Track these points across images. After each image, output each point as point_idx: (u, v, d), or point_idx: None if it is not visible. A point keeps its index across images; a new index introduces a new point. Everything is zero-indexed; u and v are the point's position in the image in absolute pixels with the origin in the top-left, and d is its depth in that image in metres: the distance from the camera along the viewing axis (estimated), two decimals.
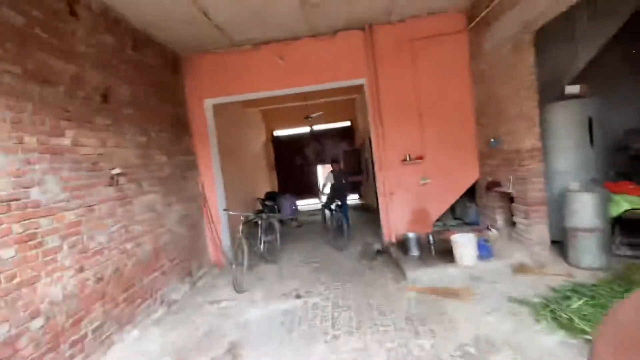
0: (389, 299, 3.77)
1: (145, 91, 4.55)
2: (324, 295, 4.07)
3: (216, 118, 6.41)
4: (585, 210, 3.74)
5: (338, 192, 6.81)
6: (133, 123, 4.21)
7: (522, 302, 3.27)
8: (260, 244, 5.28)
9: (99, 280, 3.40)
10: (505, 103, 4.46)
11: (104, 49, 3.85)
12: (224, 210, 4.95)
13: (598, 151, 4.32)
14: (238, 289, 4.43)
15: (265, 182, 11.46)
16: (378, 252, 5.71)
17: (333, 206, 6.52)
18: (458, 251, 4.23)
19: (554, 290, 3.44)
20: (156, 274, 4.26)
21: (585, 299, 2.86)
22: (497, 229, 5.19)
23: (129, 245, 3.85)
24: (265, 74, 5.58)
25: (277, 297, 4.20)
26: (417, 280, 4.16)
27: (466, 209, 6.22)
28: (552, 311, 2.90)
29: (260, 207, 9.12)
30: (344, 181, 6.97)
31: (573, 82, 4.75)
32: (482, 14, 4.65)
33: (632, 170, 5.56)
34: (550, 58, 4.80)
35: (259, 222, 5.31)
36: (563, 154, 4.31)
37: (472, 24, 5.03)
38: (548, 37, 4.55)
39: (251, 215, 5.25)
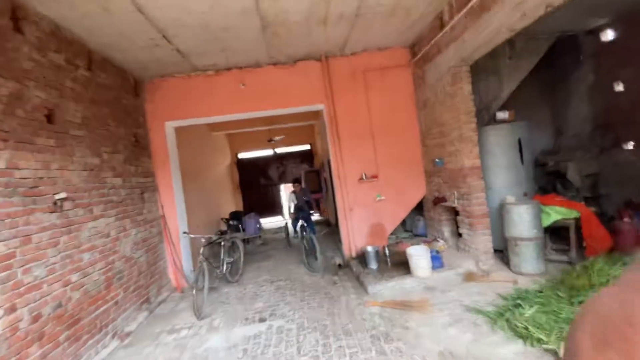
0: (353, 316, 3.42)
1: (99, 112, 3.94)
2: (288, 317, 3.61)
3: (180, 140, 5.84)
4: (522, 222, 3.74)
5: (302, 211, 6.22)
6: (83, 144, 3.56)
7: (477, 311, 3.09)
8: (223, 265, 4.70)
9: (36, 319, 2.69)
10: (447, 127, 4.47)
11: (52, 67, 3.25)
12: (184, 233, 4.35)
13: (527, 168, 4.44)
14: (198, 314, 3.83)
15: (230, 202, 10.76)
16: (339, 266, 5.38)
17: (298, 227, 5.93)
18: (413, 263, 4.03)
19: (502, 297, 3.31)
20: (108, 304, 3.54)
21: (536, 306, 2.73)
22: (444, 240, 5.12)
23: (74, 277, 3.15)
24: (227, 98, 5.18)
25: (240, 321, 3.66)
26: (378, 295, 3.87)
27: (415, 222, 6.15)
28: (507, 320, 2.73)
29: (225, 227, 8.46)
30: (306, 200, 6.34)
31: (501, 109, 4.94)
32: (423, 50, 4.71)
33: (549, 185, 5.88)
34: (482, 88, 4.96)
35: (222, 243, 4.76)
36: (498, 171, 4.36)
37: (416, 58, 5.09)
38: (479, 71, 4.71)
39: (213, 237, 4.67)
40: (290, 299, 4.12)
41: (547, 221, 3.91)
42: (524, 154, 4.41)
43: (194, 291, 3.96)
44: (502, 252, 4.36)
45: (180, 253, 5.18)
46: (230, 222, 8.37)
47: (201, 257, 4.09)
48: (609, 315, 0.54)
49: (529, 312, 2.70)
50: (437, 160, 4.75)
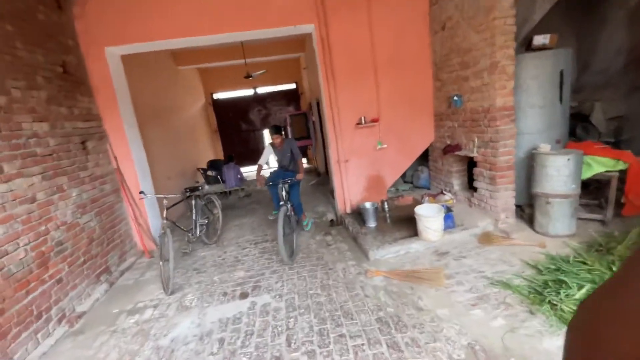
0: (354, 290, 2.86)
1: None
2: (275, 291, 3.04)
3: (133, 74, 4.69)
4: (560, 175, 3.08)
5: (284, 173, 4.40)
6: None
7: (505, 285, 2.56)
8: (196, 228, 3.99)
9: None
10: (473, 54, 3.52)
11: None
12: (141, 193, 3.54)
13: (565, 108, 3.66)
14: (167, 289, 3.21)
15: (208, 150, 9.76)
16: (332, 222, 4.80)
17: (283, 195, 3.84)
18: (423, 225, 3.43)
19: (532, 266, 2.79)
20: (46, 285, 2.83)
21: (588, 285, 2.19)
22: (453, 194, 4.51)
23: None
24: (187, 14, 3.93)
25: (216, 297, 3.08)
26: (381, 262, 3.31)
27: (417, 172, 5.49)
28: (550, 303, 2.20)
29: (203, 179, 7.63)
30: (291, 157, 4.35)
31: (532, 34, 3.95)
32: None
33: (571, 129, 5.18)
34: None
35: (193, 202, 3.98)
36: (531, 112, 3.57)
37: None
38: None
39: (177, 198, 3.86)
40: (277, 267, 3.53)
41: (587, 174, 3.27)
42: (564, 90, 3.58)
43: (161, 262, 3.29)
44: (521, 208, 3.80)
45: (145, 212, 4.41)
46: (208, 173, 7.54)
47: (164, 222, 3.33)
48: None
49: (578, 293, 2.16)
50: (454, 98, 3.88)
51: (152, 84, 6.00)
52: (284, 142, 4.32)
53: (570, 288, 2.23)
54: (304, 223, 4.59)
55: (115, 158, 4.17)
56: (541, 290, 2.36)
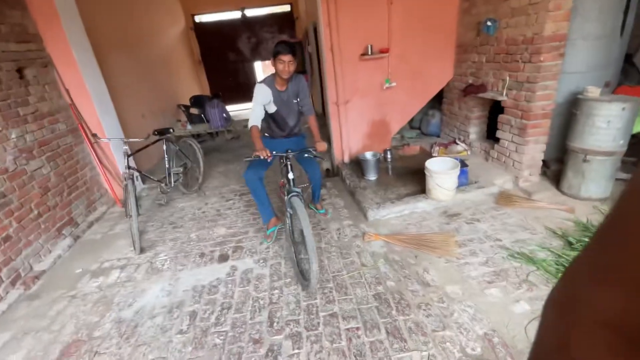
0: (349, 257, 2.50)
1: None
2: (260, 254, 2.68)
3: None
4: (609, 128, 2.52)
5: (287, 138, 2.74)
6: None
7: (528, 259, 2.20)
8: (170, 177, 3.49)
9: None
10: None
11: None
12: (93, 136, 2.93)
13: (624, 42, 2.93)
14: (137, 248, 2.84)
15: (191, 84, 8.79)
16: (327, 172, 4.33)
17: (290, 177, 2.34)
18: (433, 182, 2.96)
19: (560, 235, 2.41)
20: None
21: None
22: (467, 144, 3.98)
23: None
24: None
25: (192, 258, 2.72)
26: (381, 223, 2.91)
27: (427, 117, 4.85)
28: None
29: (185, 117, 6.90)
30: (298, 108, 2.61)
31: None
32: None
33: None
34: None
35: (164, 147, 3.40)
36: (582, 45, 2.84)
37: None
38: None
39: (139, 142, 3.12)
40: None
41: (638, 127, 2.71)
42: (628, 17, 2.82)
43: (132, 219, 2.85)
44: (545, 164, 3.31)
45: (112, 155, 3.87)
46: (191, 111, 6.80)
47: (125, 173, 2.82)
48: None
49: None
50: (487, 23, 3.09)
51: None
52: (290, 80, 2.46)
53: None
54: (321, 211, 3.11)
55: (68, 91, 3.47)
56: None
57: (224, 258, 2.68)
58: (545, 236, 2.45)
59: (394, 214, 2.98)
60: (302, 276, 2.22)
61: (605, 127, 2.52)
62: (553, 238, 2.42)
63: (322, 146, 2.44)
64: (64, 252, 3.02)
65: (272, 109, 2.53)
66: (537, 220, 2.65)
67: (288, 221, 2.36)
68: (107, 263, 2.80)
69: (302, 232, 2.06)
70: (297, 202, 2.13)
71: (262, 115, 2.46)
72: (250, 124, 2.41)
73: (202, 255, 2.75)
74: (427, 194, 3.07)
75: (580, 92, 2.77)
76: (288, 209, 2.32)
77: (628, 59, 4.13)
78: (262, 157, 2.20)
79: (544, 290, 1.97)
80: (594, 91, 2.65)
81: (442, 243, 2.49)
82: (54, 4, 3.20)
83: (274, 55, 2.29)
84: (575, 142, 2.73)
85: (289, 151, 2.34)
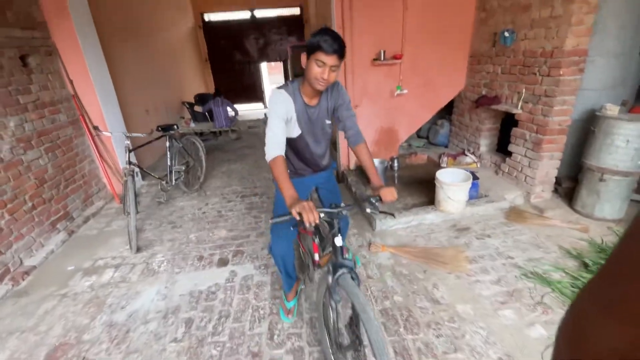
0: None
1: None
2: (261, 260, 2.58)
3: None
4: (628, 147, 2.44)
5: (314, 174, 1.83)
6: None
7: (542, 280, 2.11)
8: (171, 175, 3.40)
9: None
10: None
11: None
12: (95, 129, 2.85)
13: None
14: (133, 246, 2.74)
15: (198, 82, 8.75)
16: None
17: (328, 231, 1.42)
18: (444, 194, 2.87)
19: (574, 256, 2.32)
20: None
21: None
22: (477, 157, 3.90)
23: None
24: None
25: (190, 261, 2.62)
26: (388, 233, 2.82)
27: (435, 127, 4.78)
28: None
29: (188, 114, 6.83)
30: (333, 124, 1.70)
31: None
32: None
33: None
34: None
35: (167, 144, 3.31)
36: (601, 61, 2.78)
37: None
38: None
39: (141, 137, 3.04)
40: (265, 228, 3.05)
41: None
42: None
43: (129, 216, 2.75)
44: (557, 181, 3.23)
45: (112, 149, 3.78)
46: (196, 109, 6.73)
47: (125, 168, 2.72)
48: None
49: None
50: (504, 34, 3.03)
51: None
52: (324, 93, 1.60)
53: None
54: (348, 257, 1.42)
55: (71, 81, 3.39)
56: None
57: (223, 262, 2.57)
58: (559, 256, 2.36)
59: (402, 224, 2.89)
60: None
61: (624, 146, 2.45)
62: (567, 258, 2.33)
63: (390, 194, 1.44)
64: (57, 248, 2.91)
65: (295, 132, 1.56)
66: (550, 239, 2.56)
67: (332, 315, 1.43)
68: (101, 261, 2.69)
69: (358, 331, 1.31)
70: (352, 286, 1.26)
71: (284, 137, 1.44)
72: (270, 154, 1.39)
73: (200, 258, 2.65)
74: (437, 205, 2.98)
75: (598, 109, 2.69)
76: (333, 295, 1.34)
77: None
78: (306, 223, 1.16)
79: (559, 314, 1.87)
80: (613, 109, 2.58)
81: (452, 258, 2.40)
82: None
83: (311, 49, 1.36)
84: (592, 160, 2.65)
85: (339, 206, 1.37)
